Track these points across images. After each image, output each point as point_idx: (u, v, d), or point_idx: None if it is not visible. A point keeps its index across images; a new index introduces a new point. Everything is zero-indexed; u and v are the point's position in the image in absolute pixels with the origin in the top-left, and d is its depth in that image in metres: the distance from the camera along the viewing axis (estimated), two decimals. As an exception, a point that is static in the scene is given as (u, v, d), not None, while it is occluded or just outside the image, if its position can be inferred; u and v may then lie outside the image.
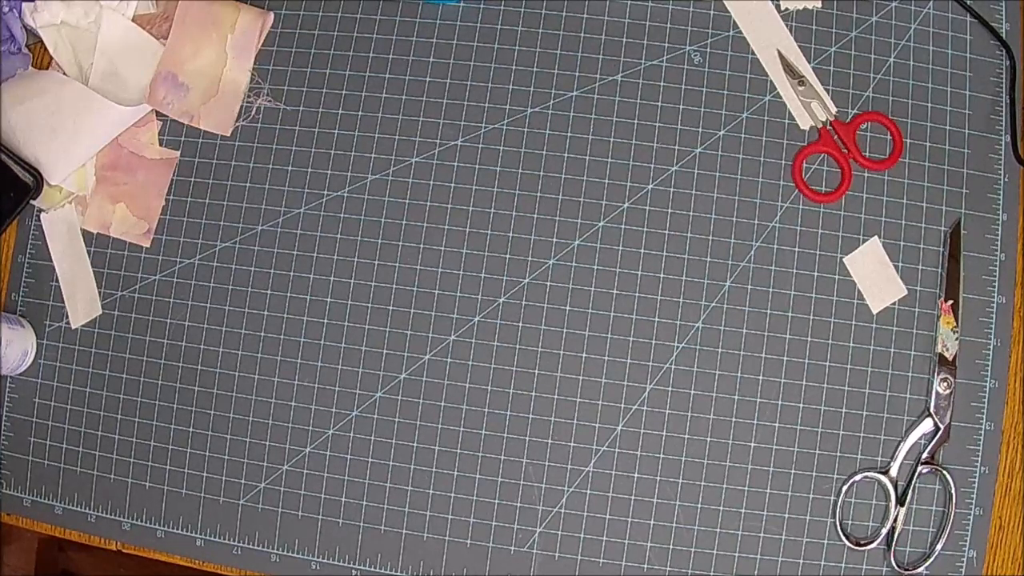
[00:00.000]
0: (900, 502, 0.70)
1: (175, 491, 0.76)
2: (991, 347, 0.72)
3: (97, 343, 0.78)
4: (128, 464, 0.76)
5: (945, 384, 0.71)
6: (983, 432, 0.71)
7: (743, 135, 0.75)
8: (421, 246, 0.76)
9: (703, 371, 0.73)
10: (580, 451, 0.73)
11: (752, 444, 0.72)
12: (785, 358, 0.73)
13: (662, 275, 0.74)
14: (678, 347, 0.73)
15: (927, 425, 0.71)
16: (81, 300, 0.78)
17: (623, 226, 0.75)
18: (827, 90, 0.75)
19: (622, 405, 0.73)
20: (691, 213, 0.74)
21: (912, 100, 0.75)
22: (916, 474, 0.70)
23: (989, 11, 0.76)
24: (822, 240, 0.74)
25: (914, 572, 0.70)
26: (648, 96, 0.76)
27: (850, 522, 0.71)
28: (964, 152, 0.74)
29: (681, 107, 0.76)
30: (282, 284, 0.76)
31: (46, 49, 0.80)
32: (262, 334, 0.76)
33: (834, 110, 0.75)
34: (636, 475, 0.72)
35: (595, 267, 0.74)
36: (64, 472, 0.77)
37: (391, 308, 0.75)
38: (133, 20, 0.79)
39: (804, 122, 0.75)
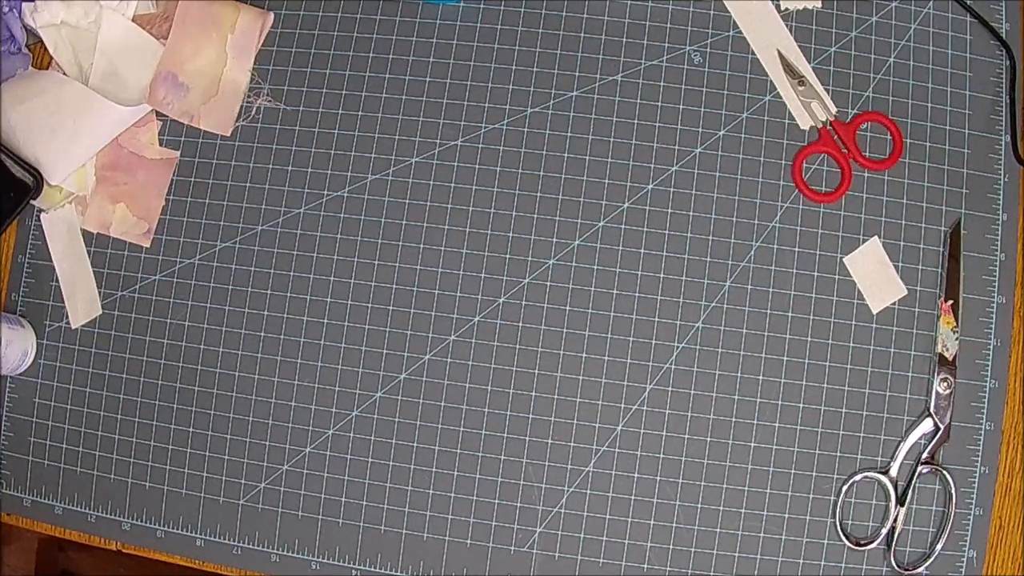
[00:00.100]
0: (900, 502, 0.70)
1: (175, 491, 0.76)
2: (991, 347, 0.72)
3: (97, 343, 0.78)
4: (128, 464, 0.76)
5: (945, 384, 0.71)
6: (983, 432, 0.71)
7: (743, 135, 0.75)
8: (421, 246, 0.76)
9: (703, 371, 0.73)
10: (580, 451, 0.73)
11: (752, 444, 0.72)
12: (785, 358, 0.73)
13: (662, 275, 0.74)
14: (678, 347, 0.73)
15: (927, 425, 0.71)
16: (81, 300, 0.78)
17: (623, 226, 0.75)
18: (827, 90, 0.75)
19: (622, 405, 0.73)
20: (691, 213, 0.74)
21: (912, 100, 0.75)
22: (916, 474, 0.70)
23: (989, 11, 0.76)
24: (822, 240, 0.74)
25: (914, 572, 0.70)
26: (648, 96, 0.76)
27: (850, 522, 0.71)
28: (964, 152, 0.74)
29: (681, 107, 0.76)
30: (282, 284, 0.76)
31: (46, 49, 0.80)
32: (262, 334, 0.76)
33: (834, 110, 0.75)
34: (636, 475, 0.72)
35: (595, 267, 0.74)
36: (64, 472, 0.77)
37: (391, 308, 0.75)
38: (133, 20, 0.79)
39: (804, 122, 0.75)
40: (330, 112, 0.78)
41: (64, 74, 0.79)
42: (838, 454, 0.72)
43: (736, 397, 0.72)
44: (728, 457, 0.72)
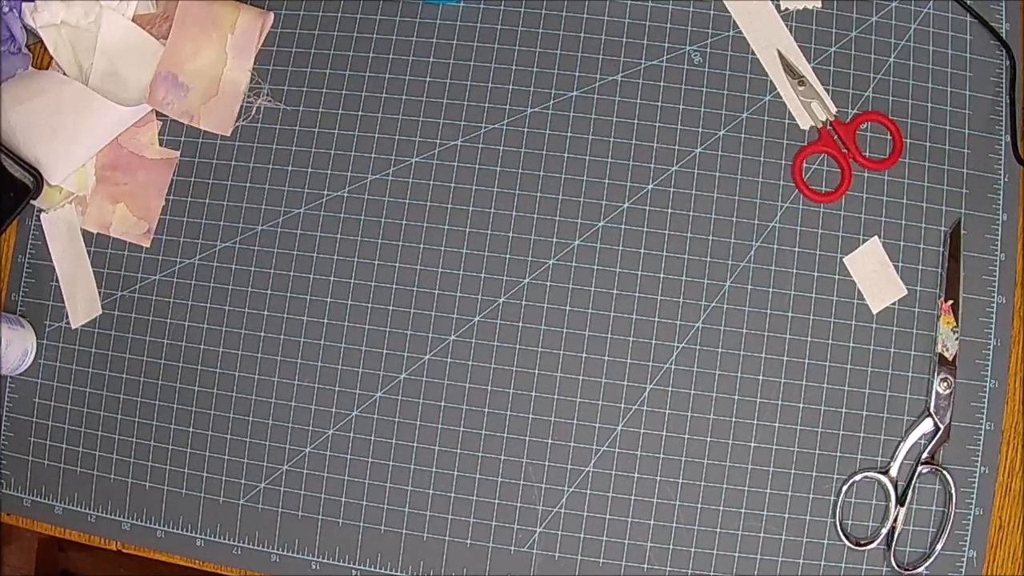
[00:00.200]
0: (900, 502, 0.70)
1: (175, 491, 0.76)
2: (991, 347, 0.72)
3: (97, 343, 0.78)
4: (128, 464, 0.77)
5: (945, 384, 0.71)
6: (983, 432, 0.71)
7: (743, 135, 0.75)
8: (421, 246, 0.76)
9: (703, 371, 0.73)
10: (580, 451, 0.73)
11: (752, 444, 0.72)
12: (785, 358, 0.73)
13: (662, 275, 0.74)
14: (678, 347, 0.73)
15: (927, 425, 0.71)
16: (81, 300, 0.78)
17: (623, 226, 0.75)
18: (827, 90, 0.75)
19: (622, 405, 0.73)
20: (691, 213, 0.74)
21: (912, 100, 0.75)
22: (916, 474, 0.70)
23: (989, 11, 0.76)
24: (822, 240, 0.74)
25: (914, 572, 0.70)
26: (648, 96, 0.76)
27: (850, 522, 0.71)
28: (964, 152, 0.74)
29: (681, 107, 0.76)
30: (282, 284, 0.76)
31: (46, 49, 0.80)
32: (262, 334, 0.76)
33: (834, 110, 0.75)
34: (636, 475, 0.72)
35: (595, 267, 0.74)
36: (64, 472, 0.77)
37: (391, 308, 0.75)
38: (133, 20, 0.79)
39: (804, 122, 0.75)
40: (330, 112, 0.78)
41: (64, 74, 0.79)
42: (838, 454, 0.72)
43: (736, 397, 0.72)
44: (728, 457, 0.72)
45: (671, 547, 0.72)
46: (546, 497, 0.73)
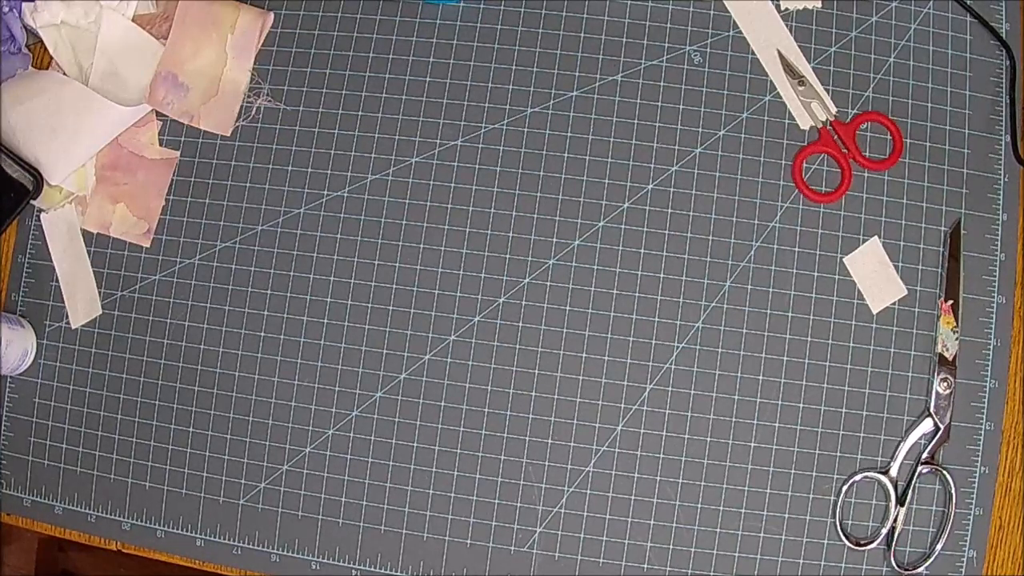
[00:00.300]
0: (900, 502, 0.70)
1: (175, 491, 0.76)
2: (991, 347, 0.72)
3: (97, 343, 0.78)
4: (128, 464, 0.77)
5: (945, 384, 0.71)
6: (983, 432, 0.71)
7: (743, 135, 0.75)
8: (421, 246, 0.76)
9: (703, 371, 0.73)
10: (580, 451, 0.73)
11: (752, 444, 0.72)
12: (785, 358, 0.73)
13: (662, 275, 0.74)
14: (678, 347, 0.73)
15: (927, 425, 0.71)
16: (81, 300, 0.78)
17: (623, 226, 0.75)
18: (827, 90, 0.75)
19: (622, 405, 0.73)
20: (691, 213, 0.74)
21: (912, 100, 0.75)
22: (916, 474, 0.70)
23: (989, 11, 0.76)
24: (822, 240, 0.74)
25: (914, 572, 0.70)
26: (648, 96, 0.76)
27: (850, 522, 0.71)
28: (964, 152, 0.74)
29: (681, 107, 0.76)
30: (282, 284, 0.76)
31: (46, 49, 0.80)
32: (262, 334, 0.76)
33: (834, 110, 0.75)
34: (636, 475, 0.72)
35: (595, 267, 0.74)
36: (64, 472, 0.77)
37: (391, 308, 0.75)
38: (133, 20, 0.79)
39: (804, 122, 0.75)
40: (330, 112, 0.78)
41: (64, 74, 0.79)
42: (838, 454, 0.72)
43: (736, 397, 0.72)
44: (728, 457, 0.72)
45: (671, 547, 0.72)
46: (546, 497, 0.73)
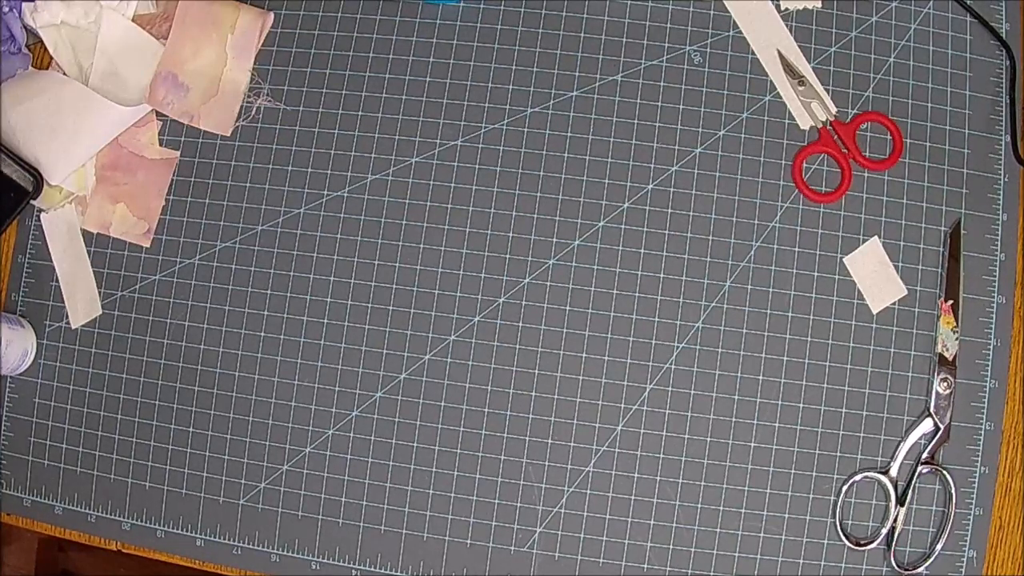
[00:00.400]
0: (900, 502, 0.70)
1: (175, 491, 0.76)
2: (991, 347, 0.72)
3: (97, 343, 0.78)
4: (128, 464, 0.77)
5: (945, 384, 0.71)
6: (983, 432, 0.71)
7: (743, 135, 0.75)
8: (421, 246, 0.76)
9: (703, 371, 0.73)
10: (580, 451, 0.73)
11: (752, 444, 0.72)
12: (785, 358, 0.73)
13: (662, 275, 0.74)
14: (678, 347, 0.73)
15: (927, 425, 0.71)
16: (81, 300, 0.78)
17: (623, 226, 0.75)
18: (827, 90, 0.75)
19: (622, 405, 0.73)
20: (691, 213, 0.74)
21: (912, 100, 0.75)
22: (916, 474, 0.70)
23: (989, 11, 0.76)
24: (822, 240, 0.74)
25: (914, 572, 0.70)
26: (648, 96, 0.76)
27: (850, 522, 0.71)
28: (964, 152, 0.74)
29: (681, 107, 0.76)
30: (282, 284, 0.76)
31: (46, 49, 0.80)
32: (262, 334, 0.76)
33: (834, 110, 0.75)
34: (636, 475, 0.72)
35: (595, 267, 0.74)
36: (64, 472, 0.77)
37: (391, 308, 0.75)
38: (133, 20, 0.79)
39: (804, 122, 0.75)
40: (330, 112, 0.78)
41: (64, 74, 0.79)
42: (838, 454, 0.72)
43: (736, 397, 0.72)
44: (728, 457, 0.72)
45: (671, 547, 0.72)
46: (546, 497, 0.73)
